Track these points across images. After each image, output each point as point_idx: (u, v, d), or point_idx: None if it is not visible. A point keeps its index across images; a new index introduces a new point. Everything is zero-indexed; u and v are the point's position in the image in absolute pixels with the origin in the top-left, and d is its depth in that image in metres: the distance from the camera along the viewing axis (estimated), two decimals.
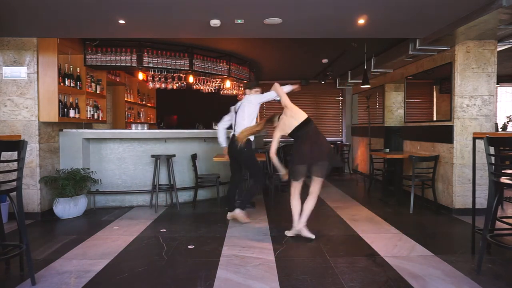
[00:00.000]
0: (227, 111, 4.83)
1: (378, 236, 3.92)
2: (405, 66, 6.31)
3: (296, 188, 3.87)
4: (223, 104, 9.82)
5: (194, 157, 5.34)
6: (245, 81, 7.30)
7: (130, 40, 5.55)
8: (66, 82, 4.99)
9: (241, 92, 7.85)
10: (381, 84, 7.51)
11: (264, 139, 8.76)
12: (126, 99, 7.36)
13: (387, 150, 6.76)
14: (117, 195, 5.40)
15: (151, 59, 5.71)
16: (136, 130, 5.38)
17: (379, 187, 6.93)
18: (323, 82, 9.43)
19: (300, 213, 3.87)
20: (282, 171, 3.87)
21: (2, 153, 2.86)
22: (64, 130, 5.14)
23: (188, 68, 6.01)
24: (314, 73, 8.86)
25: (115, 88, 7.28)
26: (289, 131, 3.83)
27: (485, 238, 2.91)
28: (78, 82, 5.27)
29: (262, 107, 9.87)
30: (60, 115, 4.80)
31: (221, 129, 4.72)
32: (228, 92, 7.45)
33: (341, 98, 9.96)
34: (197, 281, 2.79)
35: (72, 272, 2.97)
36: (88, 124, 5.96)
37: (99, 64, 5.51)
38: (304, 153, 3.72)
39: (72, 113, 5.15)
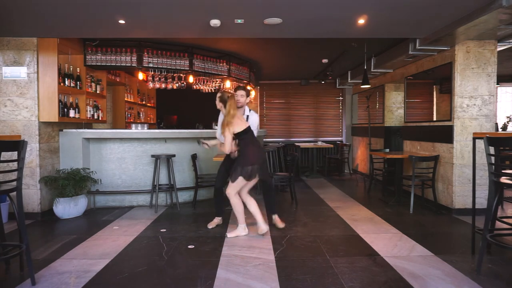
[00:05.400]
0: None
1: (378, 236, 3.92)
2: (405, 66, 6.31)
3: (239, 188, 3.89)
4: None
5: (194, 157, 5.34)
6: (245, 81, 7.30)
7: (130, 40, 5.54)
8: (66, 82, 4.99)
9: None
10: (381, 84, 7.51)
11: (264, 139, 8.77)
12: (126, 99, 7.35)
13: (387, 150, 6.77)
14: (117, 195, 5.40)
15: (151, 59, 5.71)
16: (136, 130, 5.38)
17: (379, 187, 6.93)
18: (323, 82, 9.44)
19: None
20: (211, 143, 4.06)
21: (2, 153, 2.87)
22: (64, 130, 5.14)
23: (188, 68, 6.01)
24: (314, 73, 8.86)
25: (115, 88, 7.28)
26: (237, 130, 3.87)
27: (485, 238, 2.91)
28: (78, 82, 5.27)
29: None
30: (60, 115, 4.80)
31: None
32: None
33: (341, 98, 9.96)
34: (197, 281, 2.79)
35: (72, 272, 2.97)
36: (88, 124, 5.96)
37: (99, 64, 5.51)
38: (252, 155, 3.85)
39: (72, 113, 5.14)
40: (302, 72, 8.76)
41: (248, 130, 3.91)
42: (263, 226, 3.93)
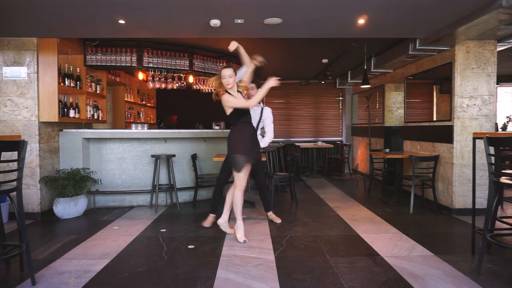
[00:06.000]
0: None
1: (378, 236, 3.92)
2: (405, 66, 6.31)
3: (244, 181, 3.81)
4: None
5: (194, 157, 5.34)
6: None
7: (130, 40, 5.55)
8: (66, 82, 5.00)
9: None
10: (381, 84, 7.51)
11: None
12: (126, 99, 7.36)
13: (387, 150, 6.77)
14: (117, 195, 5.40)
15: (151, 59, 5.71)
16: (136, 130, 5.38)
17: (379, 187, 6.93)
18: (323, 82, 9.44)
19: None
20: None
21: (2, 153, 2.87)
22: (64, 130, 5.14)
23: (188, 68, 6.00)
24: (314, 73, 8.86)
25: (115, 88, 7.28)
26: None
27: (485, 238, 2.91)
28: (78, 82, 5.27)
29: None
30: (60, 115, 4.80)
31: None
32: None
33: (341, 98, 9.96)
34: (197, 281, 2.79)
35: (72, 272, 2.97)
36: (88, 124, 5.96)
37: (99, 64, 5.51)
38: (246, 142, 3.80)
39: (72, 113, 5.14)
40: (302, 72, 8.76)
41: (235, 114, 3.83)
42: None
